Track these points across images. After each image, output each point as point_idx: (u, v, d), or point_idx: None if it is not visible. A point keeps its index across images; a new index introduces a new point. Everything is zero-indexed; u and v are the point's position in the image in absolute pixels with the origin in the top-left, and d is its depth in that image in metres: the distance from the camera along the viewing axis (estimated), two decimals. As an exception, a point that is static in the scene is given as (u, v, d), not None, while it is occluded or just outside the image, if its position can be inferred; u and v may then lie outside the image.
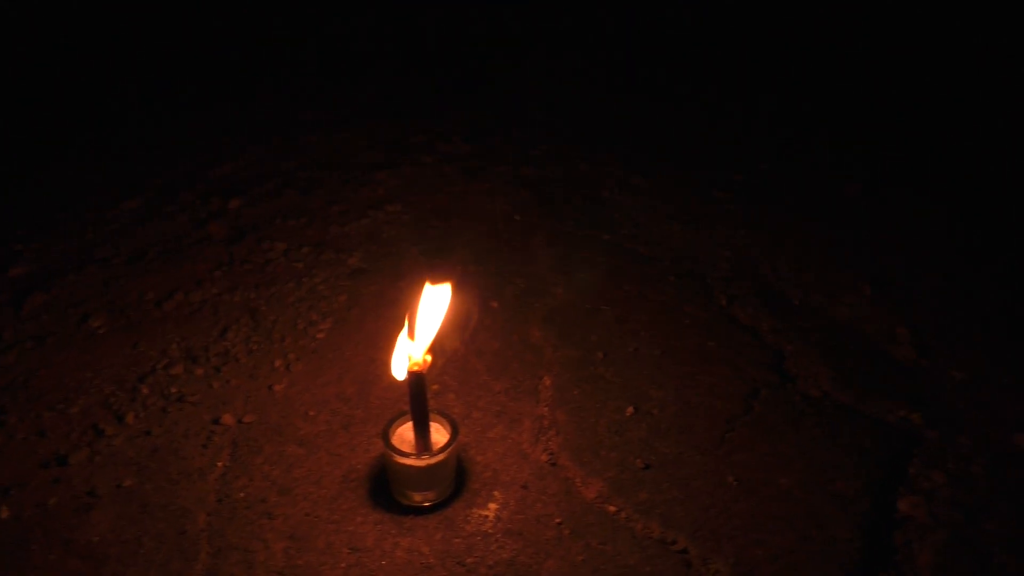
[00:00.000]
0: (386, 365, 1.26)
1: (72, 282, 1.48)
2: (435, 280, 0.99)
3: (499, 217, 1.68)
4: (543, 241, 1.60)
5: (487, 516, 1.03)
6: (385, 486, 1.07)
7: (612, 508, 1.05)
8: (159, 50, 2.43)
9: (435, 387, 1.23)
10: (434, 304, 0.99)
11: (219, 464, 1.11)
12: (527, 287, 1.46)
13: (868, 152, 1.89)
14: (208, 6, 2.49)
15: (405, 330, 0.99)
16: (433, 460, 1.00)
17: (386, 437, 1.02)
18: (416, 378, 0.96)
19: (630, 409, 1.20)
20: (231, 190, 1.75)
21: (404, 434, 1.05)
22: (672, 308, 1.41)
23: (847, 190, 1.75)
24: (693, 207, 1.70)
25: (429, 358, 0.98)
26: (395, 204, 1.72)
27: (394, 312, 1.39)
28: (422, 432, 1.01)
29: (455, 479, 1.07)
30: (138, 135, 1.99)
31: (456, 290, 1.01)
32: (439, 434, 1.04)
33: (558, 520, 1.03)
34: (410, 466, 1.00)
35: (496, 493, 1.07)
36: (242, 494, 1.06)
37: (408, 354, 0.98)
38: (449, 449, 1.00)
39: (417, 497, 1.03)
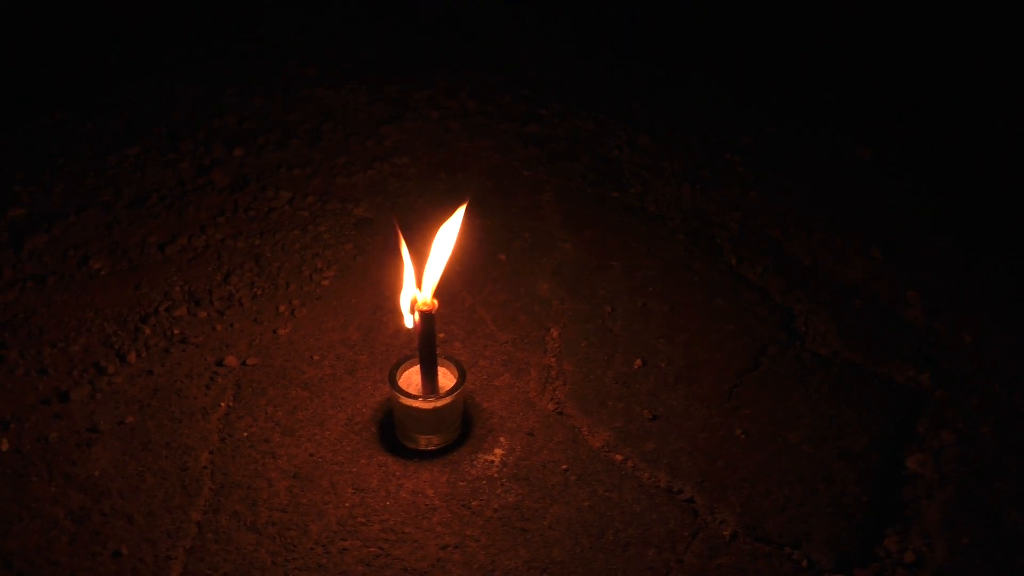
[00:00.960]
0: (392, 312, 1.25)
1: (73, 224, 1.45)
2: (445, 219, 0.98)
3: (506, 173, 1.66)
4: (551, 197, 1.58)
5: (492, 461, 1.03)
6: (390, 430, 1.06)
7: (619, 457, 1.04)
8: (163, 1, 2.39)
9: (441, 335, 1.22)
10: (442, 245, 0.97)
11: (222, 404, 1.10)
12: (535, 242, 1.44)
13: (879, 116, 1.86)
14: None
15: (412, 272, 0.98)
16: (440, 403, 0.99)
17: (393, 379, 1.00)
18: (425, 317, 0.95)
19: (638, 362, 1.18)
20: (234, 139, 1.72)
21: (411, 377, 1.04)
22: (681, 266, 1.40)
23: (858, 153, 1.73)
24: (702, 168, 1.68)
25: (435, 301, 0.96)
26: (401, 157, 1.69)
27: (399, 260, 1.37)
28: (429, 375, 0.99)
29: (461, 425, 1.06)
30: (138, 84, 1.95)
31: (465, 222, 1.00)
32: (446, 379, 1.03)
33: (564, 467, 1.02)
34: (416, 408, 0.99)
35: (502, 439, 1.06)
36: (245, 434, 1.05)
37: (416, 295, 0.97)
38: (456, 392, 0.99)
39: (423, 440, 1.02)
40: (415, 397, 0.99)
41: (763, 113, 1.89)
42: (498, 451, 1.04)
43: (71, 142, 1.71)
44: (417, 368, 1.02)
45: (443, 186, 1.61)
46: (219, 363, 1.16)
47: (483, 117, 1.86)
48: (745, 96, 1.97)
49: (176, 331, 1.22)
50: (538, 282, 1.35)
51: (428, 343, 0.97)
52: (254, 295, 1.30)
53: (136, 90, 1.94)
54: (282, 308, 1.27)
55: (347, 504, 0.96)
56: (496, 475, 1.01)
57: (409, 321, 0.98)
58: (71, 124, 1.78)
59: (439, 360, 1.01)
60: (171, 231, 1.44)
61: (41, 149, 1.69)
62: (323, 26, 2.31)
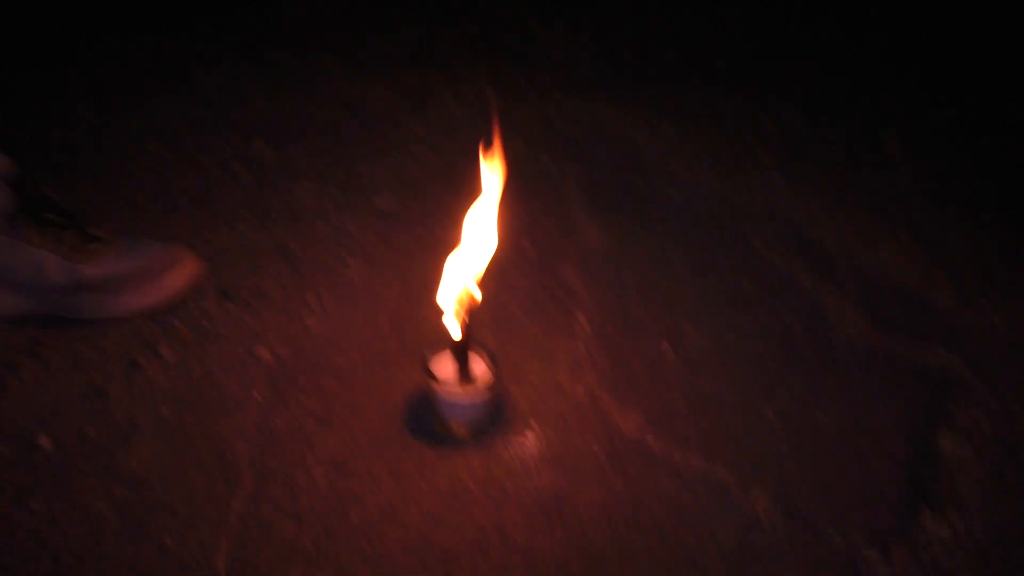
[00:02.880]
0: (419, 302, 1.26)
1: (99, 222, 1.47)
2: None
3: (528, 160, 1.66)
4: (573, 185, 1.58)
5: (526, 446, 1.04)
6: (423, 418, 1.07)
7: (651, 440, 1.05)
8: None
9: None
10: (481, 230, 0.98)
11: (256, 395, 1.11)
12: (559, 228, 1.45)
13: (905, 101, 1.86)
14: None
15: (453, 262, 0.98)
16: (474, 391, 1.00)
17: (426, 368, 1.01)
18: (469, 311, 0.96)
19: (666, 346, 1.19)
20: (253, 132, 1.73)
21: (443, 365, 1.04)
22: (706, 251, 1.40)
23: (886, 141, 1.72)
24: (726, 155, 1.68)
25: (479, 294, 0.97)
26: (421, 146, 1.70)
27: (423, 251, 1.38)
28: (463, 363, 1.00)
29: (493, 412, 1.07)
30: (151, 80, 1.96)
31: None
32: (477, 366, 1.04)
33: (597, 451, 1.03)
34: (451, 396, 1.00)
35: (534, 424, 1.07)
36: (280, 424, 1.07)
37: (457, 286, 0.98)
38: (490, 381, 1.00)
39: (457, 428, 1.04)
40: (450, 386, 1.00)
41: (786, 101, 1.89)
42: (531, 436, 1.05)
43: (95, 139, 1.72)
44: (449, 355, 1.03)
45: (463, 174, 1.61)
46: (251, 355, 1.17)
47: (504, 105, 1.86)
48: (769, 84, 1.96)
49: (207, 324, 1.23)
50: (563, 269, 1.35)
51: (464, 334, 0.98)
52: (282, 287, 1.31)
53: (156, 87, 1.95)
54: (310, 299, 1.28)
55: (385, 491, 0.98)
56: (530, 459, 1.02)
57: (451, 316, 0.98)
58: (95, 120, 1.79)
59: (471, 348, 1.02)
60: (196, 226, 1.45)
61: (65, 147, 1.70)
62: (342, 17, 2.31)
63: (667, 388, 1.12)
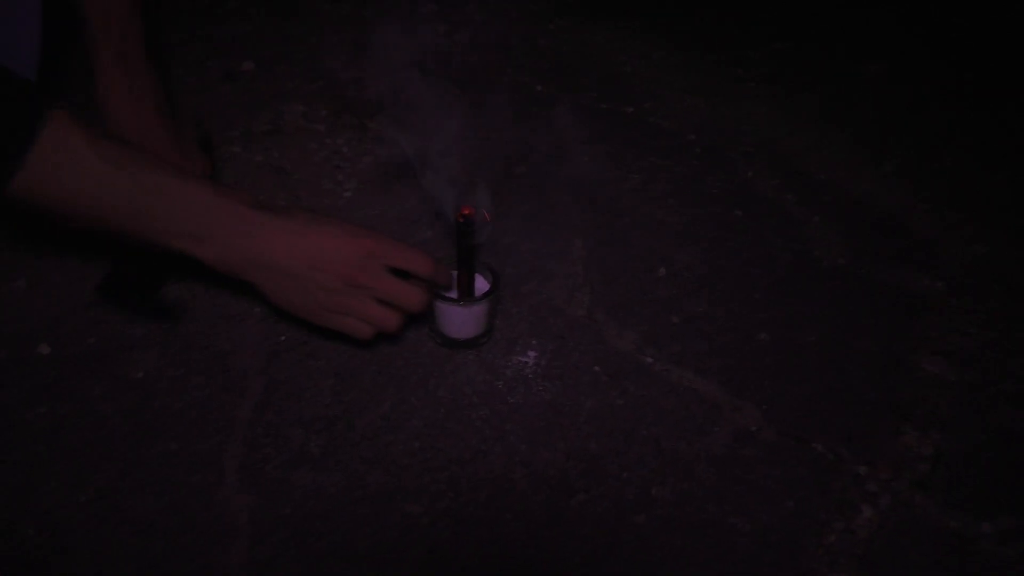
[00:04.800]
0: (416, 222, 1.27)
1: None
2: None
3: (519, 87, 1.65)
4: (565, 111, 1.58)
5: (527, 363, 1.06)
6: (424, 332, 1.08)
7: (647, 358, 1.08)
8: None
9: (467, 244, 1.24)
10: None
11: (256, 310, 1.11)
12: (552, 155, 1.45)
13: (889, 30, 1.87)
14: None
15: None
16: (478, 304, 1.02)
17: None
18: (465, 220, 0.97)
19: (661, 270, 1.21)
20: (239, 52, 1.69)
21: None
22: (696, 179, 1.41)
23: (869, 69, 1.74)
24: (715, 84, 1.68)
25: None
26: (412, 70, 1.68)
27: (420, 174, 1.38)
28: (467, 278, 1.02)
29: (491, 329, 1.09)
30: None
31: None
32: (479, 282, 1.06)
33: (595, 367, 1.06)
34: (454, 310, 1.02)
35: (534, 342, 1.09)
36: (283, 337, 1.08)
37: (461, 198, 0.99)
38: (492, 294, 1.03)
39: (459, 340, 1.06)
40: (454, 300, 1.02)
41: (773, 28, 1.89)
42: (531, 353, 1.07)
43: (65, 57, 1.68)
44: (451, 271, 1.04)
45: (455, 99, 1.60)
46: (249, 271, 1.17)
47: (492, 31, 1.84)
48: (754, 13, 1.96)
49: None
50: (558, 194, 1.36)
51: (467, 246, 0.99)
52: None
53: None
54: (306, 219, 1.28)
55: (389, 401, 1.00)
56: (531, 375, 1.04)
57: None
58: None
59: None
60: (187, 143, 1.43)
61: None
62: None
63: (662, 309, 1.15)
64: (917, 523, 0.92)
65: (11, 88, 0.79)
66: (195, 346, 1.06)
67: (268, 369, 1.03)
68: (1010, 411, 1.03)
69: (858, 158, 1.48)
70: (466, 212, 0.97)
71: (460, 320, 1.03)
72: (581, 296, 1.17)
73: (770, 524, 0.90)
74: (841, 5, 1.98)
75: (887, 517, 0.92)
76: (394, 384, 1.02)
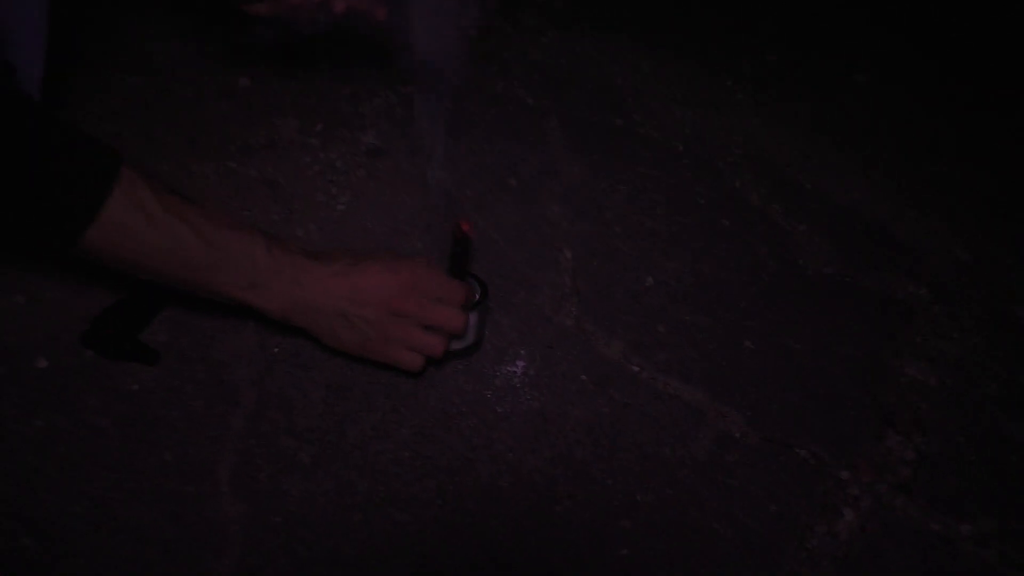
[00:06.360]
0: (408, 235, 1.29)
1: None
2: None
3: (510, 100, 1.68)
4: (555, 124, 1.60)
5: (515, 372, 1.08)
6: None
7: (634, 367, 1.10)
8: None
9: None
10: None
11: (251, 324, 1.13)
12: (543, 166, 1.48)
13: (875, 41, 1.90)
14: None
15: None
16: (468, 314, 1.04)
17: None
18: (463, 236, 0.99)
19: (649, 279, 1.23)
20: (236, 68, 1.72)
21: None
22: (685, 188, 1.44)
23: (857, 79, 1.76)
24: (705, 94, 1.71)
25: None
26: (406, 86, 1.71)
27: (412, 187, 1.40)
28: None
29: (481, 339, 1.11)
30: (126, 17, 1.93)
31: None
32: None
33: (583, 376, 1.08)
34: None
35: (522, 352, 1.11)
36: (276, 349, 1.10)
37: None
38: (481, 304, 1.05)
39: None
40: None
41: (762, 39, 1.91)
42: (520, 363, 1.09)
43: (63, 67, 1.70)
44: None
45: (449, 113, 1.62)
46: (243, 284, 1.19)
47: (486, 45, 1.87)
48: (744, 22, 1.99)
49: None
50: (548, 205, 1.38)
51: (461, 261, 1.01)
52: (271, 220, 1.33)
53: (126, 21, 1.92)
54: (300, 233, 1.30)
55: (379, 411, 1.02)
56: (519, 384, 1.06)
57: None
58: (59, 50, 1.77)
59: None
60: (180, 159, 1.45)
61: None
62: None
63: (649, 319, 1.17)
64: (898, 526, 0.93)
65: (84, 142, 0.81)
66: (190, 358, 1.08)
67: (262, 380, 1.05)
68: (991, 415, 1.05)
69: (846, 167, 1.50)
70: (465, 228, 0.99)
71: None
72: (569, 306, 1.19)
73: (753, 528, 0.92)
74: (831, 15, 2.01)
75: (868, 520, 0.93)
76: (384, 394, 1.04)
